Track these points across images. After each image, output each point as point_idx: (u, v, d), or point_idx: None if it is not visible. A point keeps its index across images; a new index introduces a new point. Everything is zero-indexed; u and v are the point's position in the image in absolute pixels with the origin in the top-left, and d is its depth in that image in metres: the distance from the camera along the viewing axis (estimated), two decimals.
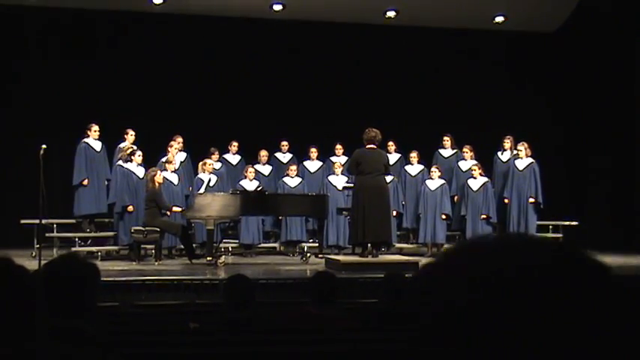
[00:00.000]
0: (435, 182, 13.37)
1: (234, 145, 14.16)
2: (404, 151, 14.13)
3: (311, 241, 13.37)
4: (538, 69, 15.84)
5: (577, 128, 15.41)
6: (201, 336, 4.66)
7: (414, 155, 13.91)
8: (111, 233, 12.58)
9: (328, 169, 14.00)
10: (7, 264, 2.06)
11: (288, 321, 5.05)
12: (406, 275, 5.79)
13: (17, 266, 2.09)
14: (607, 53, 14.92)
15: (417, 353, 3.71)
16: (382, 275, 5.93)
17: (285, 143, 14.44)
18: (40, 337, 2.04)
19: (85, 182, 12.33)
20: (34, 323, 2.05)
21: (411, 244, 13.78)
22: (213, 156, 13.37)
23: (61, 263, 3.07)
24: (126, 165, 12.21)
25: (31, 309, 2.05)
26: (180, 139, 13.06)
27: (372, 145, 11.02)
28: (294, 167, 13.67)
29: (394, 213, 12.89)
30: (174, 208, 11.88)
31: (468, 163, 13.51)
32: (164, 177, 12.05)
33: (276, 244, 13.89)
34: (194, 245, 12.20)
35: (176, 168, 12.74)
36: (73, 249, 11.96)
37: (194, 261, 11.50)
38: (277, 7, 14.79)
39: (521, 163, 13.16)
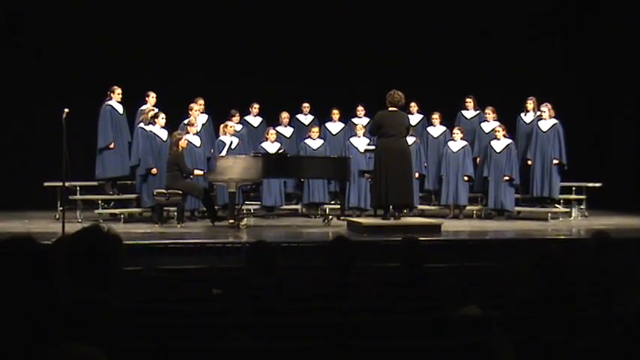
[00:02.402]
0: (457, 144, 13.28)
1: (255, 107, 14.10)
2: (426, 112, 14.02)
3: (333, 203, 13.36)
4: (562, 27, 15.57)
5: (602, 88, 15.18)
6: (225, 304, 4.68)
7: (436, 117, 13.80)
8: (133, 195, 12.57)
9: (350, 130, 13.92)
10: (29, 244, 2.05)
11: (312, 287, 5.04)
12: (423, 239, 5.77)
13: (40, 245, 2.09)
14: (635, 10, 14.62)
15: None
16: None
17: (306, 105, 14.37)
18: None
19: (112, 146, 12.32)
20: (57, 302, 2.06)
21: (433, 205, 13.73)
22: (234, 118, 13.32)
23: (84, 236, 3.07)
24: (148, 127, 12.15)
25: (53, 287, 2.05)
26: (201, 102, 13.00)
27: (394, 108, 10.94)
28: (316, 129, 13.60)
29: (416, 175, 12.84)
30: (196, 172, 11.87)
31: (490, 124, 13.38)
32: (187, 140, 12.02)
33: (298, 206, 13.89)
34: (216, 208, 12.23)
35: (198, 130, 12.71)
36: (96, 211, 12.05)
37: (216, 223, 11.55)
38: None
39: (545, 125, 13.00)
